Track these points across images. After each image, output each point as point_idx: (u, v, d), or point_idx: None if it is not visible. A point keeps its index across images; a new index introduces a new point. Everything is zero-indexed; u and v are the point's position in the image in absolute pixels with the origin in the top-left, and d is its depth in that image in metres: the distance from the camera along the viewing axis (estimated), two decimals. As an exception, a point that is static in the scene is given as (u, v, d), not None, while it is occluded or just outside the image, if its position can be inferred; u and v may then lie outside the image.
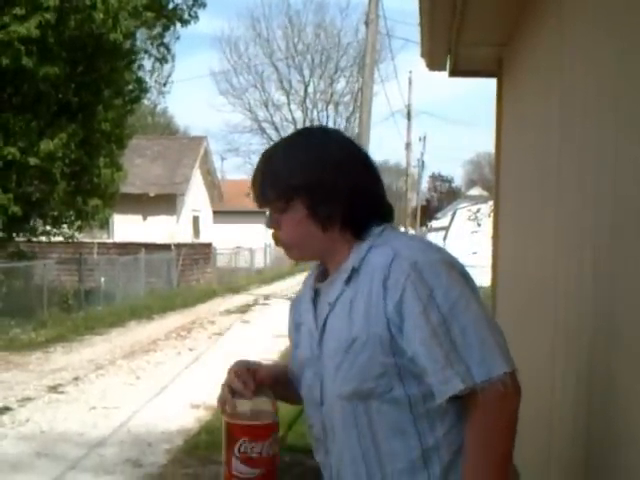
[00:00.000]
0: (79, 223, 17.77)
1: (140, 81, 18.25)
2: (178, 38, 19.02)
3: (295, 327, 2.16)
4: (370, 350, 1.83)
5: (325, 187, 1.94)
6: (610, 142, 2.12)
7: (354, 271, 1.91)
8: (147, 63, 18.82)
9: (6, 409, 8.80)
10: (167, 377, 10.85)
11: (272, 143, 2.18)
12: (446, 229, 33.00)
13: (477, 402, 1.76)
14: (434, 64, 5.14)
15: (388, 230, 1.97)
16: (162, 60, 18.79)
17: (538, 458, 2.94)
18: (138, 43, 18.00)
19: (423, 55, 5.02)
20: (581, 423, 2.34)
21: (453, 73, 5.16)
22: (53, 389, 9.99)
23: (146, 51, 18.46)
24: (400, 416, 1.84)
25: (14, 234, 16.84)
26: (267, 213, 2.05)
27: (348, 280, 1.92)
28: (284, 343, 14.42)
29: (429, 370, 1.78)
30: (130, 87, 17.78)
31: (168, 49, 18.70)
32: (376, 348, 1.82)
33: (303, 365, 2.05)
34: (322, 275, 2.07)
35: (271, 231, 2.05)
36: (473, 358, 1.74)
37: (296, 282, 30.21)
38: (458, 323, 1.76)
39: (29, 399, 9.36)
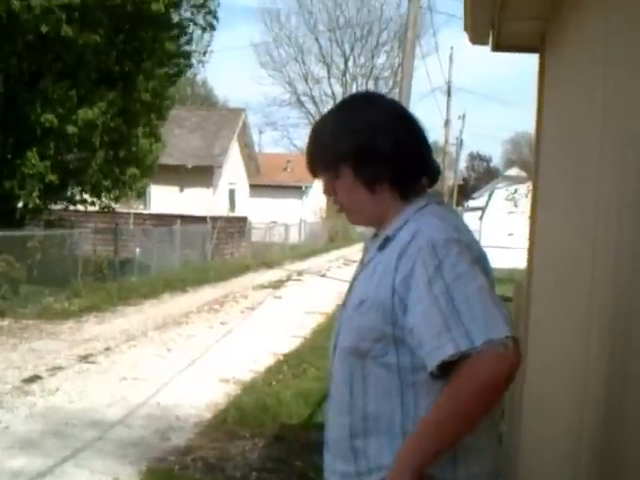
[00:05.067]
0: (116, 192, 17.77)
1: (186, 55, 18.04)
2: (219, 5, 18.38)
3: None
4: (373, 314, 1.93)
5: (368, 150, 2.04)
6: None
7: (387, 240, 2.01)
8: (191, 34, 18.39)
9: (36, 377, 8.83)
10: (198, 350, 10.85)
11: (313, 117, 2.26)
12: (483, 209, 32.81)
13: (469, 361, 1.77)
14: (477, 38, 5.00)
15: (431, 206, 2.04)
16: (208, 28, 18.23)
17: (569, 437, 2.87)
18: (183, 12, 17.70)
19: (466, 29, 4.87)
20: (615, 402, 2.26)
21: (496, 48, 5.00)
22: (84, 359, 10.02)
23: (191, 20, 18.09)
24: (389, 381, 1.92)
25: (51, 202, 16.88)
26: (323, 182, 2.18)
27: (381, 247, 2.02)
28: (316, 319, 14.40)
29: (425, 338, 1.83)
30: (174, 60, 17.58)
31: (215, 16, 18.17)
32: (378, 314, 1.91)
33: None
34: (375, 235, 2.18)
35: (327, 202, 2.22)
36: (475, 323, 1.78)
37: (329, 259, 30.21)
38: (462, 292, 1.81)
39: (60, 368, 9.39)
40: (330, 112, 2.19)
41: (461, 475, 1.90)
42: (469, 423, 1.83)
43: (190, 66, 18.81)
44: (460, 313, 1.79)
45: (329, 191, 2.15)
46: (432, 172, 2.13)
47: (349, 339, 2.00)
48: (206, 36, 18.68)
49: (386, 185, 2.06)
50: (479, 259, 1.93)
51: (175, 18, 17.27)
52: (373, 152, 2.04)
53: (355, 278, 2.11)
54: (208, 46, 19.08)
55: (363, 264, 2.11)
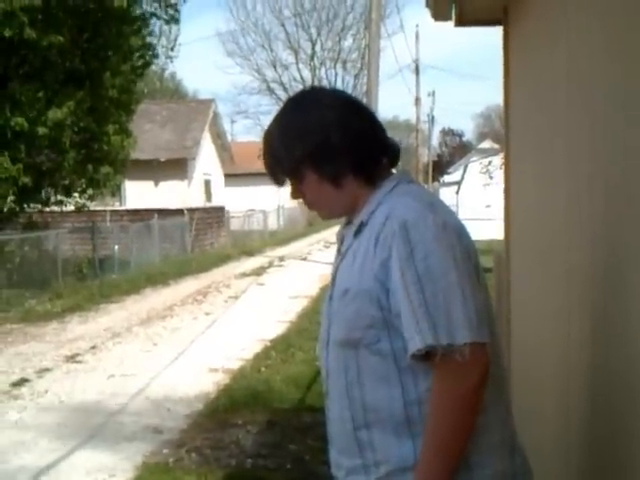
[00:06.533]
0: (90, 191, 17.72)
1: (150, 47, 17.96)
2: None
3: None
4: (359, 302, 1.91)
5: (322, 147, 2.02)
6: (619, 84, 2.06)
7: (362, 225, 2.00)
8: (155, 26, 18.39)
9: (24, 381, 8.82)
10: (184, 342, 10.85)
11: (280, 107, 2.20)
12: (458, 183, 32.95)
13: (438, 367, 1.82)
14: (439, 14, 5.01)
15: (401, 185, 2.02)
16: (171, 21, 18.22)
17: (558, 405, 2.91)
18: (144, 6, 17.63)
19: (428, 5, 4.88)
20: (600, 370, 2.30)
21: (458, 23, 5.01)
22: (71, 359, 10.01)
23: (154, 14, 17.98)
24: (386, 367, 1.90)
25: (25, 205, 16.79)
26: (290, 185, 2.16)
27: (356, 233, 2.01)
28: (300, 303, 14.43)
29: (403, 326, 1.85)
30: (139, 53, 17.54)
31: (177, 10, 18.12)
32: (364, 301, 1.90)
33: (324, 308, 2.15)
34: (348, 223, 2.15)
35: (296, 199, 2.16)
36: (440, 321, 1.79)
37: (310, 243, 30.23)
38: (432, 286, 1.81)
39: (47, 370, 9.38)
40: (274, 120, 2.13)
41: (473, 455, 1.87)
42: (462, 431, 1.83)
43: (156, 56, 18.72)
44: (428, 307, 1.80)
45: (297, 195, 2.14)
46: (391, 151, 2.11)
47: (340, 331, 1.97)
48: (173, 30, 18.65)
49: (350, 176, 2.03)
50: (459, 236, 1.90)
51: (138, 12, 17.21)
52: (328, 147, 2.01)
53: (336, 269, 2.08)
54: (175, 40, 19.06)
55: (341, 253, 2.09)
